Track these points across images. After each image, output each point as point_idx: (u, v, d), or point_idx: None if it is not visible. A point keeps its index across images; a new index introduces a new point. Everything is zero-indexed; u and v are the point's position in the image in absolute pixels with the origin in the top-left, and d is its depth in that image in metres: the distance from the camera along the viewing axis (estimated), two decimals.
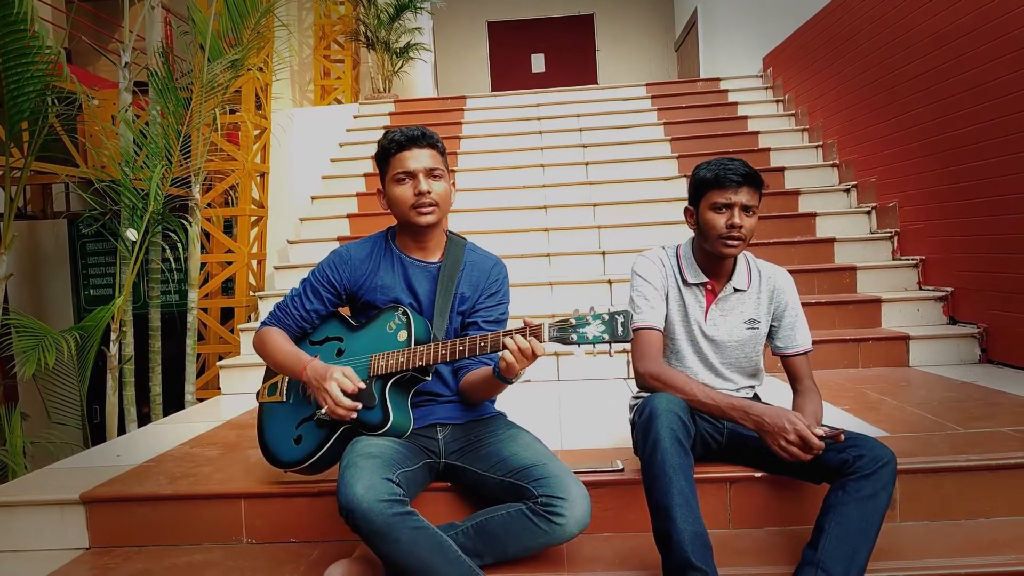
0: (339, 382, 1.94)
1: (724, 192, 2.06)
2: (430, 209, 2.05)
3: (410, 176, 2.05)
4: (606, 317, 1.80)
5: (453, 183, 2.16)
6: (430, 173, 2.05)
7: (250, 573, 2.09)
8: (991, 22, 3.63)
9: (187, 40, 5.56)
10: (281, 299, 2.23)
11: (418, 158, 2.05)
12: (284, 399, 2.18)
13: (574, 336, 1.81)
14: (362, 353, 2.06)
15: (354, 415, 1.95)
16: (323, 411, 1.97)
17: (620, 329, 1.79)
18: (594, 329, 1.80)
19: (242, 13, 4.95)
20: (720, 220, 2.07)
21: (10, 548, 2.34)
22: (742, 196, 2.06)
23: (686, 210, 2.20)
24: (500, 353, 1.88)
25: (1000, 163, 3.64)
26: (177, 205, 5.14)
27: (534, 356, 1.85)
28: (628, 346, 2.09)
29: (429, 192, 2.04)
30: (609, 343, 1.80)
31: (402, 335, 2.02)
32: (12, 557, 2.31)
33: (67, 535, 2.33)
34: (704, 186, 2.10)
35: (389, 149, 2.07)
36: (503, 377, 1.94)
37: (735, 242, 2.07)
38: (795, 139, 6.16)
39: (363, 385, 1.97)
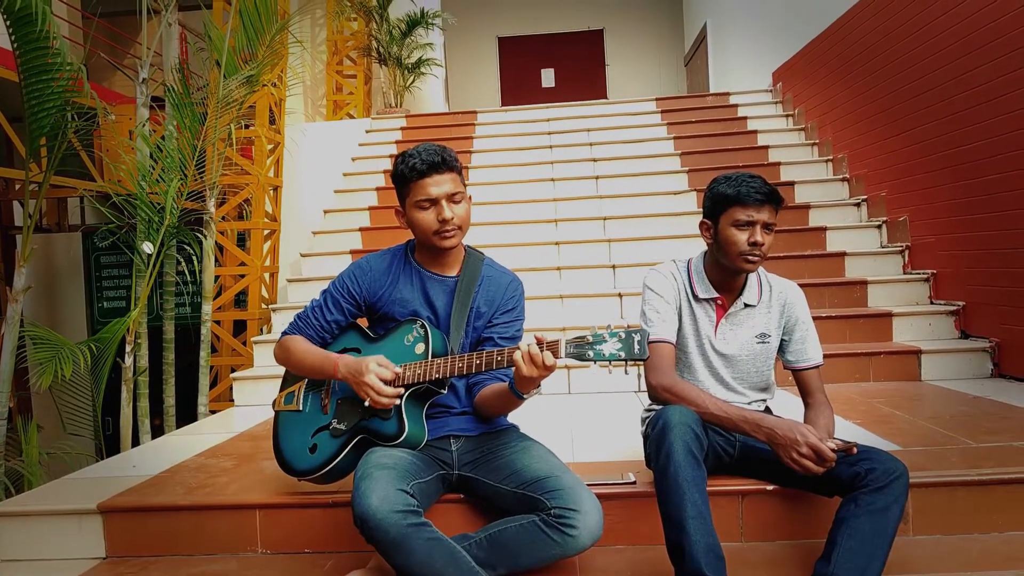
0: (377, 373, 1.96)
1: (747, 209, 2.06)
2: (453, 233, 2.07)
3: (432, 203, 2.05)
4: (623, 335, 1.80)
5: (469, 198, 2.17)
6: (451, 198, 2.06)
7: None
8: (1002, 36, 3.65)
9: (203, 56, 5.65)
10: (301, 310, 2.26)
11: (440, 184, 2.04)
12: (300, 408, 2.20)
13: (590, 353, 1.81)
14: None
15: (397, 402, 1.97)
16: (366, 403, 1.98)
17: (636, 347, 1.79)
18: (610, 346, 1.80)
19: (257, 30, 5.02)
20: (742, 237, 2.07)
21: (28, 557, 2.37)
22: (764, 214, 2.06)
23: (702, 224, 2.20)
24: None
25: (1011, 177, 3.64)
26: (192, 218, 5.20)
27: (545, 367, 1.84)
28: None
29: (452, 218, 2.05)
30: (625, 361, 1.81)
31: (420, 348, 2.04)
32: (30, 566, 2.34)
33: (84, 544, 2.36)
34: (725, 202, 2.09)
35: (409, 176, 2.05)
36: (517, 392, 1.95)
37: (755, 259, 2.09)
38: (805, 153, 6.18)
39: (399, 370, 1.98)
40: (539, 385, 1.92)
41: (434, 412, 2.14)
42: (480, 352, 1.96)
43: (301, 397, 2.22)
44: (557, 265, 5.02)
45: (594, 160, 6.51)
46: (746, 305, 2.21)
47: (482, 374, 2.07)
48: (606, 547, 2.18)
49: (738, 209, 2.07)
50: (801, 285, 2.32)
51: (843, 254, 4.76)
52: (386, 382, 1.96)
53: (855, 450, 1.90)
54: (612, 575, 2.05)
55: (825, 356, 2.29)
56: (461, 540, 1.92)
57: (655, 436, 1.94)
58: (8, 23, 3.89)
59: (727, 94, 7.63)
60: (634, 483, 2.27)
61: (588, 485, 1.97)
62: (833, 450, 1.87)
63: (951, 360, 3.85)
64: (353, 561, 2.13)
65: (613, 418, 3.36)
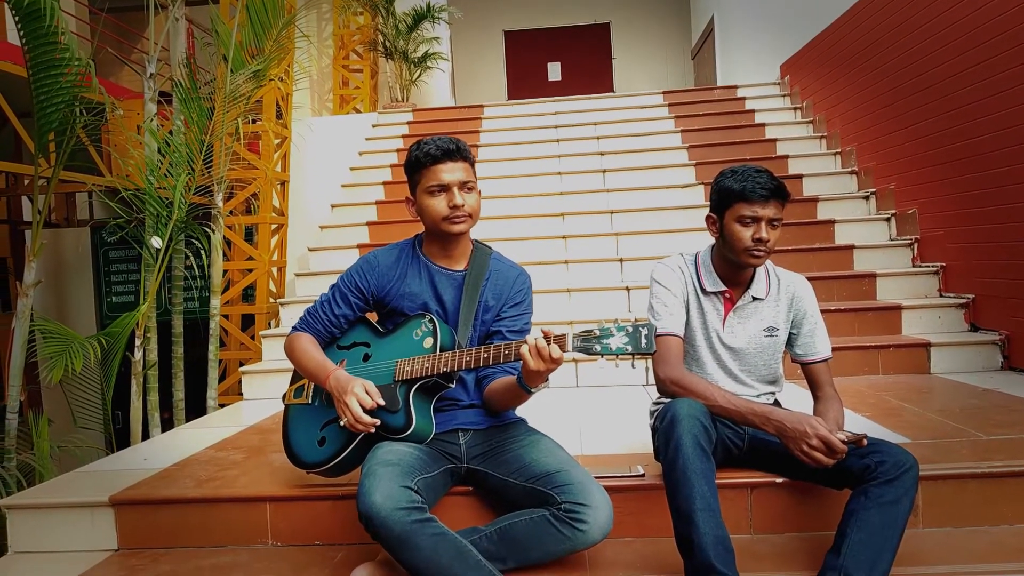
0: (359, 397, 1.97)
1: (752, 205, 2.04)
2: (463, 219, 2.08)
3: (444, 189, 2.06)
4: (630, 329, 1.80)
5: (479, 192, 2.17)
6: (463, 186, 2.07)
7: (275, 575, 2.13)
8: (1009, 29, 3.62)
9: (210, 51, 5.66)
10: (309, 304, 2.27)
11: (452, 171, 2.05)
12: (309, 401, 2.22)
13: (597, 347, 1.81)
14: (388, 358, 2.09)
15: (372, 430, 1.98)
16: (342, 422, 2.00)
17: (644, 341, 1.78)
18: (617, 341, 1.80)
19: (264, 25, 5.03)
20: (747, 233, 2.06)
21: (41, 549, 2.39)
22: (769, 210, 2.05)
23: (708, 217, 2.19)
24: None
25: (1019, 170, 3.62)
26: (200, 213, 5.22)
27: (552, 361, 1.83)
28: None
29: (463, 205, 2.06)
30: (632, 355, 1.80)
31: (428, 342, 2.05)
32: (43, 558, 2.36)
33: (96, 537, 2.38)
34: (731, 197, 2.08)
35: (423, 161, 2.07)
36: (525, 386, 1.96)
37: (760, 254, 2.08)
38: (813, 146, 6.15)
39: (382, 402, 2.00)
40: (547, 379, 1.92)
41: (442, 405, 2.15)
42: (487, 346, 1.96)
43: (311, 391, 2.23)
44: (564, 259, 5.01)
45: (601, 154, 6.49)
46: (754, 298, 2.20)
47: (490, 367, 2.08)
48: (615, 539, 2.18)
49: (743, 205, 2.06)
50: (810, 278, 2.31)
51: (852, 247, 4.74)
52: (367, 410, 1.97)
53: (865, 442, 1.90)
54: (621, 567, 2.05)
55: (834, 349, 2.29)
56: (471, 533, 1.93)
57: (664, 429, 1.94)
58: (17, 19, 3.90)
59: (735, 87, 7.59)
60: (643, 475, 2.27)
61: (596, 477, 1.98)
62: (843, 442, 1.86)
63: (960, 353, 3.84)
64: (363, 553, 2.14)
65: (621, 411, 3.36)
